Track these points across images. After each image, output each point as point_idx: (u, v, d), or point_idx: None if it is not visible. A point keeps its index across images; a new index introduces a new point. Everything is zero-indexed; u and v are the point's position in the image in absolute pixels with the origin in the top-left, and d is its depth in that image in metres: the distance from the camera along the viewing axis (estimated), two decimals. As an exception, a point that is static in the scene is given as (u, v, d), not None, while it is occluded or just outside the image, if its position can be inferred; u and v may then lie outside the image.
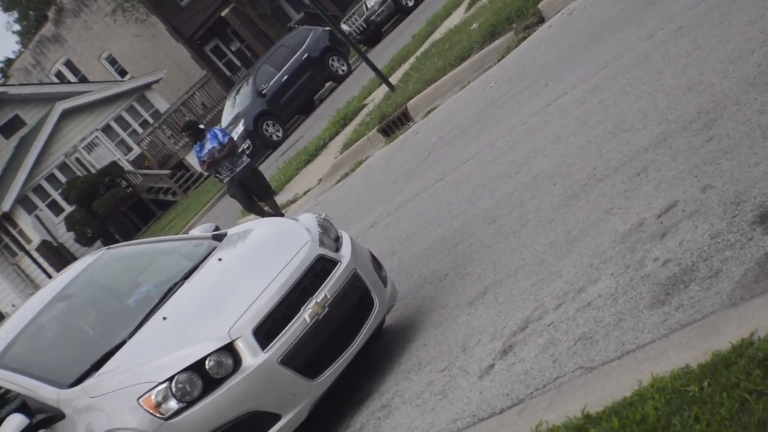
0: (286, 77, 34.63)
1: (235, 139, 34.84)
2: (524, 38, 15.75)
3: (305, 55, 34.92)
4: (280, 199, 20.85)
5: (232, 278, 8.30)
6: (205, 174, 35.61)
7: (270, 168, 28.48)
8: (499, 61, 16.05)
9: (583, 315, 6.40)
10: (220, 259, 8.59)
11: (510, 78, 14.13)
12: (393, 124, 18.45)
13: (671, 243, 6.24)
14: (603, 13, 12.87)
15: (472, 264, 8.78)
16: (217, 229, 9.48)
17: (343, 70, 35.23)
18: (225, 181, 18.25)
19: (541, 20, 15.95)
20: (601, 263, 6.77)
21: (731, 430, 4.09)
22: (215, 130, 17.92)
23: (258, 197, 18.20)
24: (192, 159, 46.02)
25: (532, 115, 11.29)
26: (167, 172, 50.89)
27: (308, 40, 35.60)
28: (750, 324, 4.72)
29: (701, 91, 7.92)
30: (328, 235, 8.43)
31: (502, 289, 7.78)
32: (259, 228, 9.37)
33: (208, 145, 17.32)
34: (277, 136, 33.96)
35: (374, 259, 8.71)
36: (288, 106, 34.94)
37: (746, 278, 5.29)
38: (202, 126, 18.45)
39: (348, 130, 21.95)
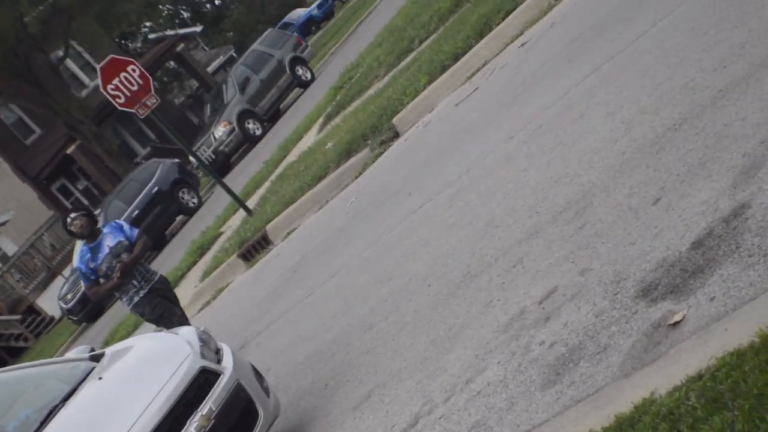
0: (136, 212, 34.28)
1: None
2: (381, 153, 15.97)
3: (155, 189, 34.75)
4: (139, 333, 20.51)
5: (115, 396, 8.09)
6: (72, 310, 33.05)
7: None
8: (357, 177, 16.22)
9: (474, 404, 6.40)
10: (100, 378, 8.38)
11: (371, 192, 14.26)
12: (253, 248, 18.38)
13: (556, 326, 6.32)
14: (460, 120, 13.13)
15: (352, 371, 8.74)
16: (92, 350, 9.28)
17: (194, 203, 35.19)
18: (136, 299, 11.60)
19: (397, 135, 16.21)
20: (487, 353, 6.81)
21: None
22: (116, 222, 12.00)
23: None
24: (47, 301, 44.99)
25: (399, 224, 11.38)
26: (17, 317, 49.55)
27: (158, 173, 35.49)
28: (646, 388, 4.79)
29: (568, 182, 8.10)
30: (209, 347, 8.33)
31: (387, 390, 7.75)
32: (138, 344, 9.19)
33: (109, 242, 11.31)
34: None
35: (255, 370, 8.63)
36: (140, 241, 34.48)
37: (635, 349, 5.38)
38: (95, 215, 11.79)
39: (206, 259, 21.80)
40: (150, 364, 8.38)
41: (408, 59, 20.61)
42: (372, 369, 8.37)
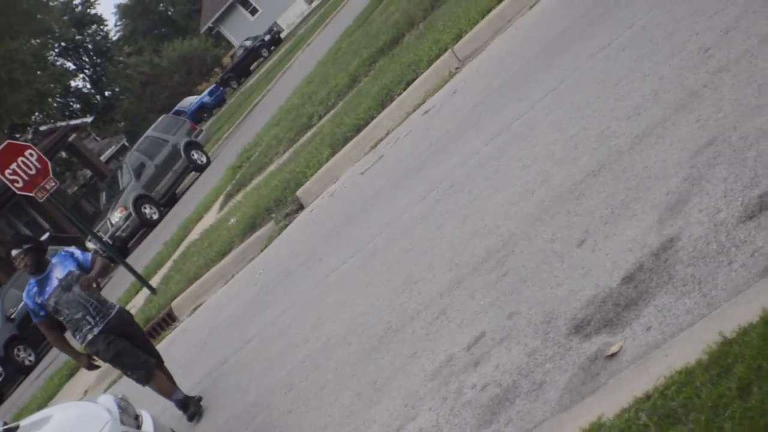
0: (34, 300, 33.50)
1: None
2: (286, 225, 15.92)
3: (52, 276, 34.12)
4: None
5: (31, 465, 7.88)
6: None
7: (27, 391, 27.43)
8: (262, 250, 16.13)
9: (407, 451, 6.34)
10: (17, 449, 8.14)
11: (279, 262, 14.17)
12: (158, 325, 18.13)
13: (487, 369, 6.30)
14: (367, 188, 13.15)
15: (275, 431, 8.62)
16: (5, 423, 9.02)
17: (92, 288, 34.62)
18: (90, 337, 10.56)
19: (301, 207, 16.20)
20: (416, 401, 6.75)
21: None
22: (65, 250, 10.80)
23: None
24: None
25: (312, 289, 11.31)
26: None
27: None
28: (589, 417, 4.77)
29: (486, 234, 8.13)
30: (128, 413, 8.17)
31: (313, 446, 7.66)
32: (56, 414, 8.98)
33: (58, 274, 10.35)
34: (30, 361, 32.71)
35: (176, 434, 8.49)
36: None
37: (572, 383, 5.38)
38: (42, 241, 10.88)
39: (110, 339, 21.40)
40: (70, 433, 8.19)
41: (308, 134, 20.69)
42: (296, 428, 8.25)
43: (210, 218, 23.36)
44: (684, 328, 4.91)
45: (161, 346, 16.98)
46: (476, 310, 7.12)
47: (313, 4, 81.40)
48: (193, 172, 39.77)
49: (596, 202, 6.89)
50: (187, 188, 39.49)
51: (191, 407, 10.94)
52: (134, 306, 22.22)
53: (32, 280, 10.32)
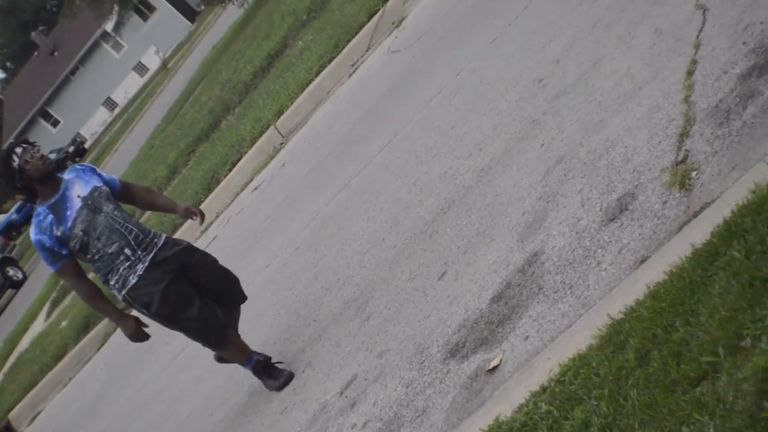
0: None
1: None
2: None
3: None
4: None
5: None
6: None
7: None
8: (99, 349, 15.80)
9: (293, 500, 6.25)
10: None
11: (120, 356, 13.90)
12: (-3, 441, 17.54)
13: (365, 407, 6.25)
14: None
15: None
16: None
17: None
18: (133, 280, 7.23)
19: (136, 299, 15.93)
20: (295, 452, 6.68)
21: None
22: (81, 164, 7.37)
23: (225, 297, 8.00)
24: None
25: (163, 370, 11.12)
26: None
27: None
28: (486, 420, 4.78)
29: (341, 287, 8.12)
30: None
31: None
32: None
33: (80, 191, 7.14)
34: None
35: None
36: None
37: (457, 402, 5.38)
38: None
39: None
40: None
41: (134, 230, 20.40)
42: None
43: (38, 326, 22.78)
44: (563, 330, 4.98)
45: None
46: (343, 356, 7.09)
47: (116, 111, 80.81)
48: (10, 290, 38.80)
49: (451, 236, 6.97)
50: (5, 306, 38.46)
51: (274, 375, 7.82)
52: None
53: (40, 209, 7.03)
